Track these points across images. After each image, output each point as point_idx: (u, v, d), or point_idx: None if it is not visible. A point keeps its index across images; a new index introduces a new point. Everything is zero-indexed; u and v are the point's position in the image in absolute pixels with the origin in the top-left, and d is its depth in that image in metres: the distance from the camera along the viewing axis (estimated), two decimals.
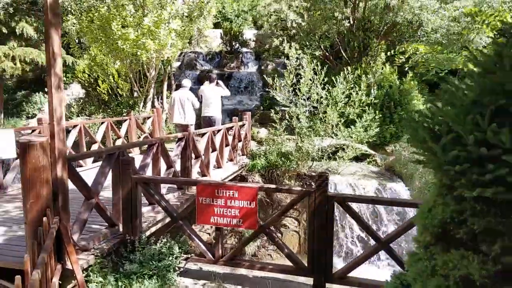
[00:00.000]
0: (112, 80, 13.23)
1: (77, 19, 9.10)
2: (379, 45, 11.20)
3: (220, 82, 9.57)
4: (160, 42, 8.70)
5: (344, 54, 11.76)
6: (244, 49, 18.80)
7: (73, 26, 9.60)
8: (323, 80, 8.67)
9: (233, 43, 18.42)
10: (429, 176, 7.83)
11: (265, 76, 16.89)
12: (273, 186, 4.67)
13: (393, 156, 10.11)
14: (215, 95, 9.13)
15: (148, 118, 10.27)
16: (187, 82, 9.18)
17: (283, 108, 9.28)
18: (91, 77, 13.52)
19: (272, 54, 17.99)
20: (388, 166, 9.73)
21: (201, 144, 7.05)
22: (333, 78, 8.70)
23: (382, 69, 10.88)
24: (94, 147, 8.42)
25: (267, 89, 16.01)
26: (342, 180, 8.85)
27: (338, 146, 9.25)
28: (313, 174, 8.94)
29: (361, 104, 8.54)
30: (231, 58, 17.79)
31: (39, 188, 3.26)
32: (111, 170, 4.30)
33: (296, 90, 8.77)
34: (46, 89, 15.49)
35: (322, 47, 11.89)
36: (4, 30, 13.02)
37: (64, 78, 15.99)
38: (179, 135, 6.12)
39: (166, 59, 10.08)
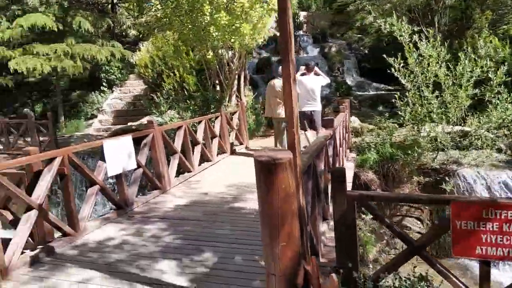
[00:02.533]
0: (178, 75, 12.35)
1: (161, 4, 8.09)
2: (484, 16, 9.85)
3: (317, 68, 8.44)
4: (255, 26, 7.68)
5: (440, 27, 10.43)
6: (300, 32, 17.62)
7: (156, 13, 8.58)
8: (444, 57, 7.50)
9: None
10: None
11: (328, 59, 15.85)
12: None
13: None
14: (317, 85, 8.02)
15: (234, 113, 9.31)
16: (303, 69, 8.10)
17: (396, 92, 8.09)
18: (154, 71, 12.67)
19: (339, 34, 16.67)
20: None
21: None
22: (459, 54, 7.47)
23: (491, 42, 9.57)
24: (197, 149, 7.53)
25: (333, 74, 14.88)
26: (470, 173, 7.68)
27: (461, 134, 8.08)
28: (438, 167, 7.84)
29: (495, 84, 7.31)
30: None
31: (290, 224, 2.30)
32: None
33: (414, 71, 7.59)
34: (101, 88, 14.73)
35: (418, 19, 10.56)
36: (61, 27, 12.24)
37: (119, 75, 15.23)
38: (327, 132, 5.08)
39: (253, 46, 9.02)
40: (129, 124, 12.09)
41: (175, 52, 11.25)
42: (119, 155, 5.38)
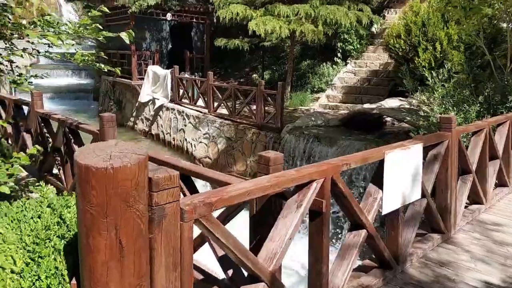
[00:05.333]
0: (439, 48, 9.29)
1: None
2: None
3: None
4: None
5: None
6: None
7: None
8: None
9: None
10: None
11: None
12: None
13: None
14: None
15: None
16: None
17: None
18: (406, 43, 9.92)
19: None
20: None
21: None
22: None
23: None
24: (493, 167, 4.67)
25: None
26: None
27: None
28: None
29: None
30: None
31: None
32: None
33: None
34: (334, 59, 12.87)
35: None
36: None
37: (358, 45, 13.05)
38: None
39: None
40: (365, 106, 9.86)
41: (441, 19, 8.18)
42: (401, 176, 3.09)
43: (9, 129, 6.14)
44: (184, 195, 3.08)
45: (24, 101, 5.59)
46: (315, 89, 12.92)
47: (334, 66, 13.04)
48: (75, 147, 4.37)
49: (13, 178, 3.07)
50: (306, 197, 2.28)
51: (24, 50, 3.74)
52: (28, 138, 5.52)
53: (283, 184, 2.13)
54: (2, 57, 3.66)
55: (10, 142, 6.14)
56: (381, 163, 2.95)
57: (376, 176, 3.01)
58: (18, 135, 5.84)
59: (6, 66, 4.03)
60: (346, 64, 13.10)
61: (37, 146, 3.57)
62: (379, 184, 2.94)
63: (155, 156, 3.23)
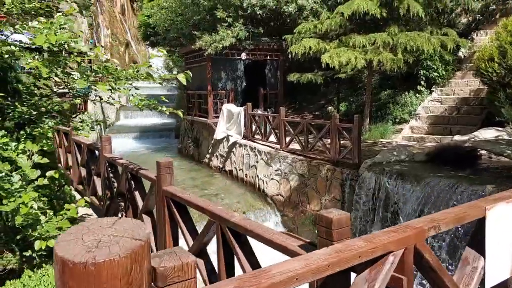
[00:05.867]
0: None
1: None
2: None
3: None
4: None
5: None
6: None
7: None
8: None
9: None
10: None
11: None
12: None
13: None
14: None
15: None
16: None
17: None
18: (501, 66, 8.76)
19: None
20: None
21: None
22: None
23: None
24: None
25: None
26: None
27: None
28: None
29: None
30: None
31: None
32: None
33: None
34: (417, 87, 11.89)
35: None
36: (384, 13, 10.14)
37: (443, 72, 11.97)
38: None
39: None
40: (455, 137, 8.79)
41: None
42: (510, 238, 2.38)
43: (83, 172, 6.38)
44: (238, 258, 2.69)
45: (97, 146, 5.77)
46: (397, 120, 11.98)
47: (417, 94, 12.05)
48: (136, 193, 4.27)
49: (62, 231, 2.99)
50: (380, 274, 1.75)
51: (87, 96, 3.79)
52: (98, 182, 5.64)
53: (348, 262, 1.63)
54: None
55: (83, 186, 6.38)
56: (481, 221, 2.29)
57: (475, 238, 2.34)
58: (90, 179, 6.01)
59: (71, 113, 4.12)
60: (430, 92, 12.04)
61: (86, 198, 3.50)
62: (480, 248, 2.28)
63: (206, 207, 2.92)
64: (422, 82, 12.08)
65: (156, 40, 20.50)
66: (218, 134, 13.74)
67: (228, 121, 13.49)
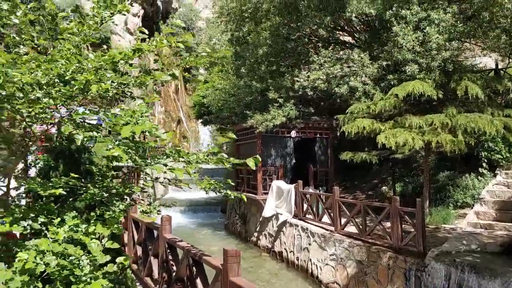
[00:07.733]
0: None
1: None
2: None
3: None
4: None
5: None
6: None
7: None
8: None
9: None
10: None
11: None
12: None
13: None
14: None
15: None
16: None
17: None
18: None
19: None
20: None
21: None
22: None
23: None
24: None
25: None
26: None
27: None
28: None
29: None
30: None
31: None
32: None
33: None
34: (479, 170, 11.27)
35: None
36: (440, 95, 10.02)
37: (507, 154, 11.33)
38: None
39: None
40: None
41: None
42: None
43: (139, 251, 6.28)
44: None
45: (156, 225, 5.72)
46: (459, 204, 11.23)
47: (479, 177, 11.38)
48: (198, 281, 4.06)
49: None
50: None
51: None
52: (155, 263, 5.50)
53: None
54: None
55: (138, 265, 6.24)
56: None
57: None
58: (147, 259, 5.89)
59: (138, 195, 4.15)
60: (494, 175, 11.34)
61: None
62: None
63: None
64: (484, 164, 11.45)
65: (209, 119, 21.46)
66: (267, 211, 13.47)
67: (278, 199, 13.27)
